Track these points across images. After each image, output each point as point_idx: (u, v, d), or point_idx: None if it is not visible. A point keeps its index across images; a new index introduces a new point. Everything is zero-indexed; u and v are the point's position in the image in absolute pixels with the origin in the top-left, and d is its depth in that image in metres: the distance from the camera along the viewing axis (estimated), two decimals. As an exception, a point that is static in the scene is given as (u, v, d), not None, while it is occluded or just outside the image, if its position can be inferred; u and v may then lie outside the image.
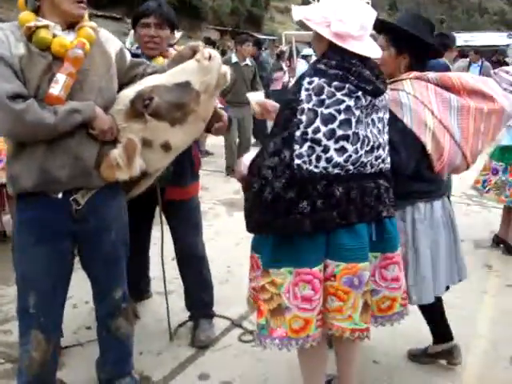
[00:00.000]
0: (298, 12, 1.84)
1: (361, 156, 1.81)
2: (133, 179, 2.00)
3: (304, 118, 1.73)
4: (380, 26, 2.20)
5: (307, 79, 1.77)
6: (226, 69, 2.08)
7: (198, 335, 2.77)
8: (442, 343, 2.53)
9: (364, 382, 2.41)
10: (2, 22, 1.97)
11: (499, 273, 3.78)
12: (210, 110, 2.14)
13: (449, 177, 3.89)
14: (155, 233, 2.91)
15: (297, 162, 1.72)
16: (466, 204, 5.48)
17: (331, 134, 1.74)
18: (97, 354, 2.30)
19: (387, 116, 1.97)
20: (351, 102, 1.76)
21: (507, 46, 12.57)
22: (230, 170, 6.43)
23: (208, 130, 2.38)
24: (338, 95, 1.74)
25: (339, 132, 1.75)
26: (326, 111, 1.73)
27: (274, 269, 1.88)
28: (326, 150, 1.74)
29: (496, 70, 3.82)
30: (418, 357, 2.62)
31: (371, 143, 1.84)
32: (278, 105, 2.34)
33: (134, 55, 2.28)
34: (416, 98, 2.11)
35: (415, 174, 2.15)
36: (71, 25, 1.92)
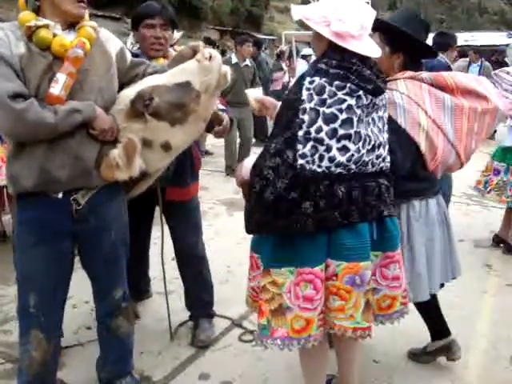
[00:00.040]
0: (298, 11, 1.84)
1: (362, 155, 1.80)
2: (133, 179, 2.00)
3: (306, 117, 1.73)
4: (374, 25, 2.20)
5: (308, 79, 1.76)
6: (227, 69, 2.08)
7: (198, 335, 2.77)
8: (439, 339, 2.54)
9: (364, 381, 2.40)
10: (2, 22, 1.97)
11: (499, 272, 3.79)
12: (211, 110, 2.14)
13: (449, 177, 3.90)
14: (155, 233, 2.91)
15: (300, 162, 1.71)
16: (466, 204, 5.48)
17: (333, 133, 1.73)
18: (97, 353, 2.30)
19: (387, 115, 1.98)
20: (352, 101, 1.75)
21: (507, 45, 12.57)
22: (230, 170, 6.44)
23: (208, 130, 2.39)
24: (340, 94, 1.74)
25: (341, 131, 1.74)
26: (327, 110, 1.73)
27: (275, 268, 1.88)
28: (328, 149, 1.73)
29: (497, 71, 3.83)
30: (418, 356, 2.62)
31: (372, 142, 1.84)
32: (276, 101, 2.35)
33: (133, 55, 2.28)
34: (410, 98, 2.11)
35: (410, 173, 2.14)
36: (71, 24, 1.92)
